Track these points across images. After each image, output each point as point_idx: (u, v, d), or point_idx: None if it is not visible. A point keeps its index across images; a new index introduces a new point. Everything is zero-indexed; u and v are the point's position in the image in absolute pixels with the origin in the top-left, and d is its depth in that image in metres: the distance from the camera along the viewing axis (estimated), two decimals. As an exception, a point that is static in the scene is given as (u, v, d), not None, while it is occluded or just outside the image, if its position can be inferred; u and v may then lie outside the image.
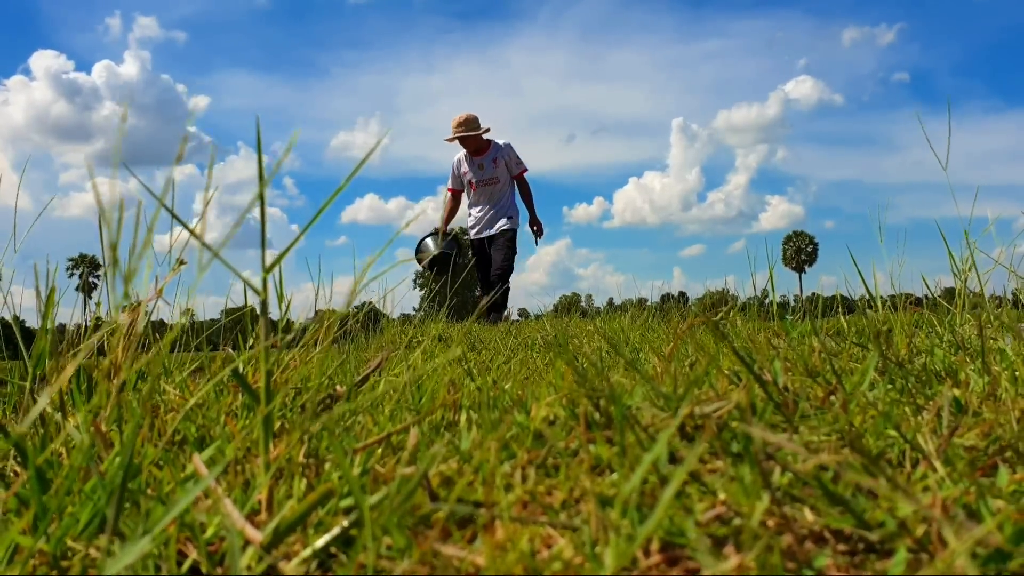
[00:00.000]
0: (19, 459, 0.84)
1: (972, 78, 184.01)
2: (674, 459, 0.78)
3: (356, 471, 0.75)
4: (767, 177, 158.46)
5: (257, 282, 0.74)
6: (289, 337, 1.07)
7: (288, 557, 0.62)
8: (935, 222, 2.09)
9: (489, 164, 6.56)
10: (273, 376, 0.84)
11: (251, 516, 0.72)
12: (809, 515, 0.57)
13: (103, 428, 0.84)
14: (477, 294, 6.96)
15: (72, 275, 76.75)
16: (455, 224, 7.19)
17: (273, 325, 1.57)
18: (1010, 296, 2.21)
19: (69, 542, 0.60)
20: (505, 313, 6.78)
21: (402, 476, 0.70)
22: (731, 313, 2.57)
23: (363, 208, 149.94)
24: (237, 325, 2.02)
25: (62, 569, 0.58)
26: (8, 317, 1.61)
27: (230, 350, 1.69)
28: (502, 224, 6.58)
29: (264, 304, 0.76)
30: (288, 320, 1.66)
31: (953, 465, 0.76)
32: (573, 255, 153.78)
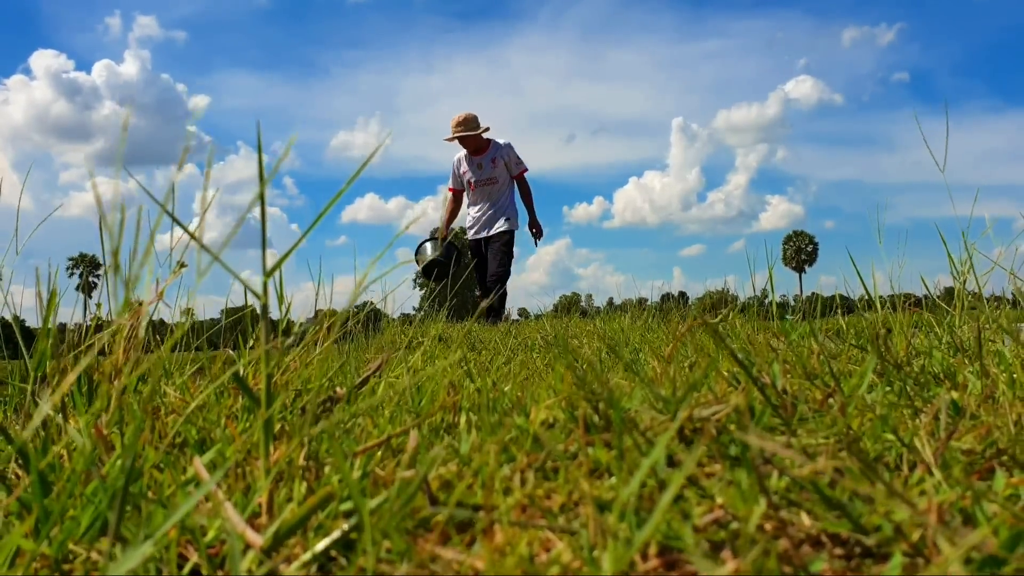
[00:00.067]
0: (21, 462, 0.84)
1: (972, 78, 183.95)
2: (672, 462, 0.79)
3: (356, 474, 0.75)
4: (767, 177, 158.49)
5: (258, 285, 0.75)
6: (289, 341, 1.07)
7: (288, 560, 0.62)
8: (934, 223, 2.09)
9: (488, 164, 6.51)
10: (273, 378, 0.84)
11: (251, 519, 0.72)
12: (806, 519, 0.58)
13: (104, 431, 0.84)
14: (477, 294, 6.94)
15: (72, 274, 76.76)
16: (456, 224, 7.17)
17: (273, 325, 1.57)
18: (1009, 296, 2.21)
19: (71, 545, 0.61)
20: (505, 313, 6.77)
21: (402, 480, 0.71)
22: (730, 315, 2.57)
23: (363, 208, 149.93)
24: (238, 326, 2.03)
25: (64, 573, 0.59)
26: (8, 317, 1.62)
27: (231, 351, 1.69)
28: (500, 225, 6.53)
29: (264, 308, 0.76)
30: (288, 320, 1.66)
31: (950, 468, 0.76)
32: (573, 255, 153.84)
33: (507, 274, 6.55)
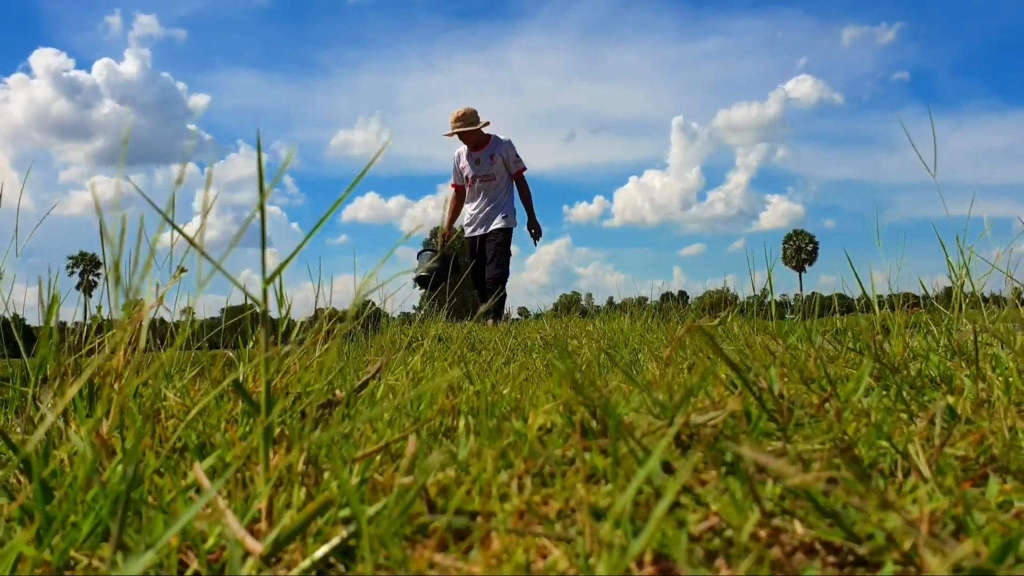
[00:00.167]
0: (22, 467, 0.85)
1: (972, 78, 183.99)
2: (668, 468, 0.79)
3: (355, 480, 0.76)
4: (767, 176, 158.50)
5: (258, 291, 0.75)
6: (288, 349, 1.08)
7: (288, 567, 0.63)
8: (933, 224, 2.09)
9: (486, 160, 6.43)
10: (272, 383, 0.84)
11: (251, 525, 0.73)
12: (799, 528, 0.58)
13: (105, 435, 0.85)
14: (476, 294, 6.90)
15: (72, 273, 76.79)
16: (458, 224, 7.10)
17: (273, 325, 1.58)
18: (1009, 296, 2.22)
19: (72, 552, 0.61)
20: (505, 313, 6.74)
21: (400, 487, 0.71)
22: (729, 317, 2.57)
23: (363, 207, 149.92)
24: (238, 328, 2.03)
25: (65, 579, 0.59)
26: (8, 317, 1.62)
27: (230, 353, 1.70)
28: (497, 223, 6.43)
29: (265, 315, 0.77)
30: (289, 321, 1.67)
31: (944, 475, 0.77)
32: (573, 254, 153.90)
33: (505, 275, 6.50)
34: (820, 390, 1.12)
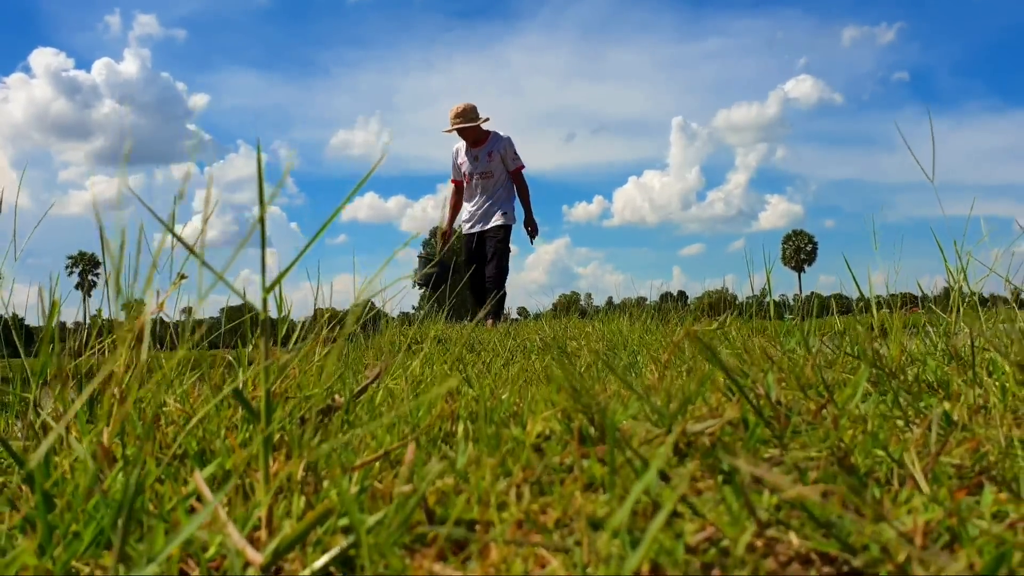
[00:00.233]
0: (23, 475, 0.85)
1: (972, 78, 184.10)
2: (666, 476, 0.80)
3: (354, 489, 0.76)
4: (767, 176, 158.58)
5: (257, 296, 0.76)
6: (287, 358, 1.08)
7: (288, 576, 0.63)
8: (933, 224, 2.10)
9: (484, 157, 6.38)
10: (272, 389, 0.85)
11: (251, 532, 0.73)
12: (795, 539, 0.59)
13: (106, 443, 0.85)
14: (472, 291, 6.84)
15: (71, 273, 76.80)
16: (458, 222, 7.06)
17: (273, 326, 1.58)
18: (1008, 296, 2.22)
19: (73, 563, 0.62)
20: (504, 313, 6.72)
21: (400, 497, 0.72)
22: (727, 322, 2.58)
23: (363, 206, 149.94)
24: (238, 331, 2.04)
25: (67, 589, 0.60)
26: (7, 317, 1.63)
27: (230, 357, 1.70)
28: (496, 220, 6.39)
29: (265, 322, 0.77)
30: (289, 322, 1.67)
31: (940, 483, 0.78)
32: (572, 254, 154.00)
33: (505, 274, 6.48)
34: (817, 396, 1.13)
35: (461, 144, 6.50)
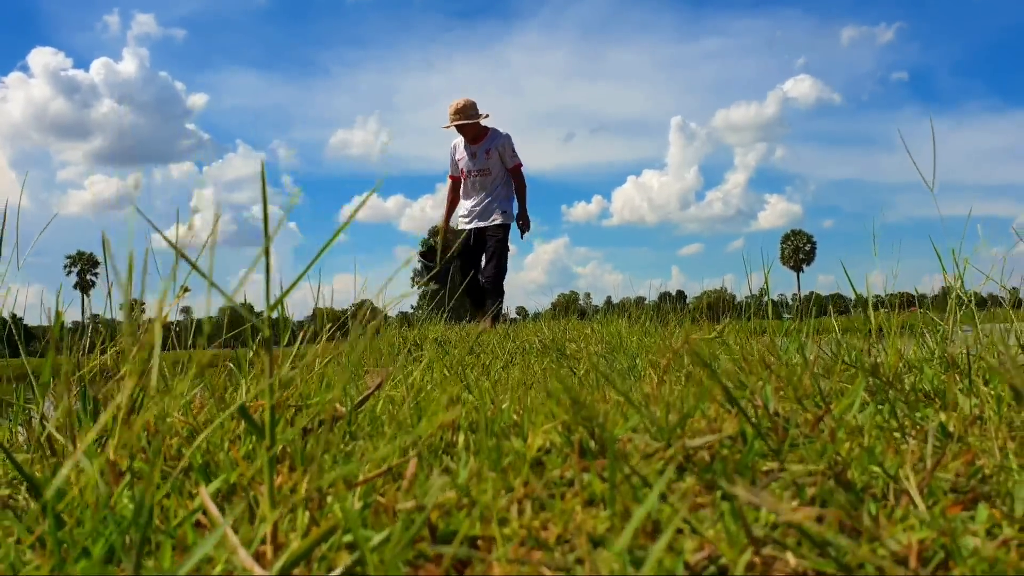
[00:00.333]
0: (31, 491, 0.86)
1: (972, 78, 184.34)
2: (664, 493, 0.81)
3: (358, 505, 0.78)
4: (766, 176, 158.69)
5: (256, 296, 0.77)
6: (291, 374, 1.09)
7: (293, 593, 0.64)
8: (932, 225, 2.11)
9: (482, 154, 6.35)
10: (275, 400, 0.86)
11: (257, 546, 0.74)
12: (792, 558, 0.60)
13: (112, 457, 0.86)
14: (467, 288, 6.79)
15: (70, 273, 76.73)
16: (454, 221, 7.05)
17: (275, 333, 1.59)
18: (1006, 297, 2.23)
19: (84, 581, 0.63)
20: (503, 313, 6.71)
21: (403, 513, 0.73)
22: (724, 330, 2.59)
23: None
24: (238, 337, 2.05)
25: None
26: (7, 316, 1.64)
27: (231, 364, 1.71)
28: (495, 218, 6.37)
29: (269, 341, 0.78)
30: (289, 325, 1.68)
31: (936, 497, 0.79)
32: (571, 253, 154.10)
33: (503, 273, 6.47)
34: (815, 407, 1.14)
35: (460, 140, 6.46)
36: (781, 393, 1.26)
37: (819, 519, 0.62)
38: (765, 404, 1.04)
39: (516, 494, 0.79)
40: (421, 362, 2.16)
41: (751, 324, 3.09)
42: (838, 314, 2.78)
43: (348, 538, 0.70)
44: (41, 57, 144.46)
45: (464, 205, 6.57)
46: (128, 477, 0.87)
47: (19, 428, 1.30)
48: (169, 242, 0.75)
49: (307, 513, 0.78)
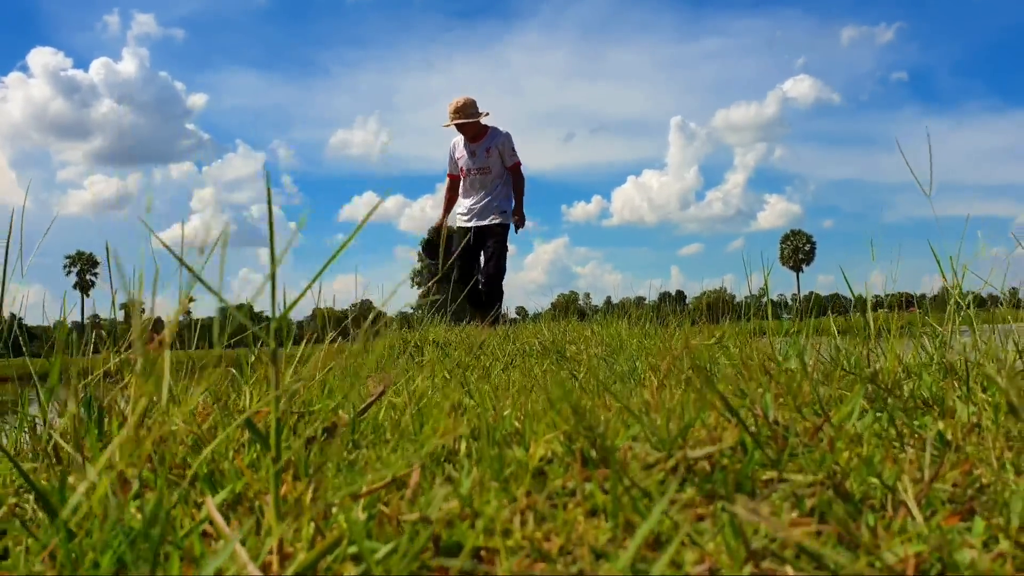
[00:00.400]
0: (40, 503, 0.87)
1: (972, 78, 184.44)
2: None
3: (362, 516, 0.78)
4: (765, 176, 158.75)
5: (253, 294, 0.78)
6: (296, 387, 1.10)
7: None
8: (928, 237, 2.12)
9: (482, 152, 6.33)
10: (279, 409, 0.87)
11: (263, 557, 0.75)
12: (791, 571, 0.61)
13: (119, 466, 0.87)
14: (465, 286, 6.76)
15: (69, 272, 76.72)
16: (451, 220, 7.04)
17: (279, 342, 1.60)
18: (1006, 297, 2.24)
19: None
20: (503, 312, 6.70)
21: (408, 525, 0.74)
22: (724, 337, 2.60)
23: (361, 206, 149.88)
24: (238, 343, 2.06)
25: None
26: (6, 316, 1.65)
27: (234, 371, 1.72)
28: (494, 218, 6.35)
29: (275, 353, 0.79)
30: (288, 323, 1.69)
31: (934, 507, 0.80)
32: (571, 253, 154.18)
33: (502, 273, 6.47)
34: (814, 415, 1.15)
35: (459, 138, 6.44)
36: (781, 400, 1.27)
37: (818, 533, 0.63)
38: (765, 413, 1.05)
39: (519, 504, 0.80)
40: (422, 367, 2.17)
41: (750, 325, 3.10)
42: (837, 314, 2.79)
43: (353, 549, 0.71)
44: (41, 57, 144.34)
45: (463, 203, 6.56)
46: (135, 487, 0.88)
47: (23, 435, 1.31)
48: (172, 252, 0.76)
49: (312, 524, 0.79)
